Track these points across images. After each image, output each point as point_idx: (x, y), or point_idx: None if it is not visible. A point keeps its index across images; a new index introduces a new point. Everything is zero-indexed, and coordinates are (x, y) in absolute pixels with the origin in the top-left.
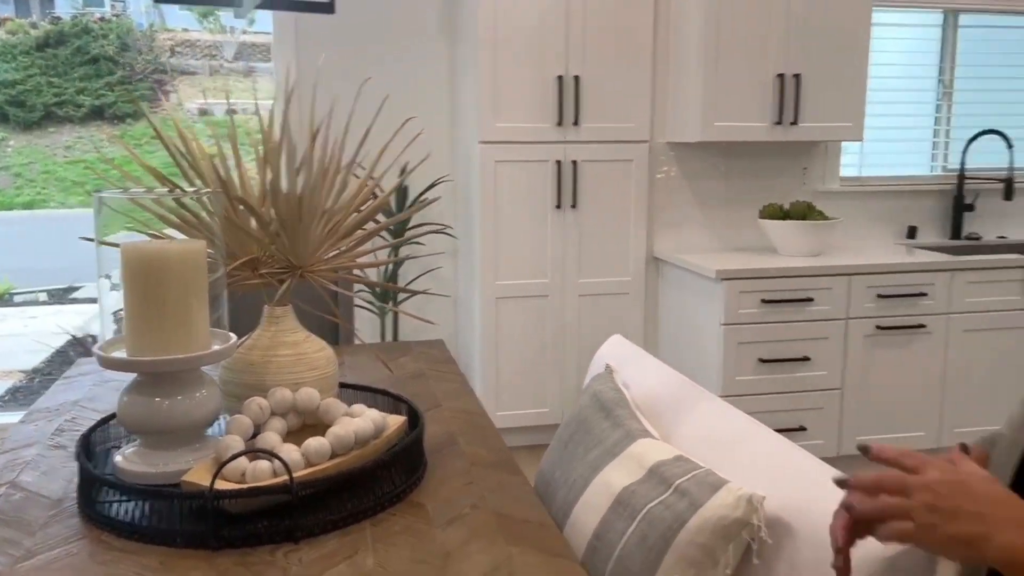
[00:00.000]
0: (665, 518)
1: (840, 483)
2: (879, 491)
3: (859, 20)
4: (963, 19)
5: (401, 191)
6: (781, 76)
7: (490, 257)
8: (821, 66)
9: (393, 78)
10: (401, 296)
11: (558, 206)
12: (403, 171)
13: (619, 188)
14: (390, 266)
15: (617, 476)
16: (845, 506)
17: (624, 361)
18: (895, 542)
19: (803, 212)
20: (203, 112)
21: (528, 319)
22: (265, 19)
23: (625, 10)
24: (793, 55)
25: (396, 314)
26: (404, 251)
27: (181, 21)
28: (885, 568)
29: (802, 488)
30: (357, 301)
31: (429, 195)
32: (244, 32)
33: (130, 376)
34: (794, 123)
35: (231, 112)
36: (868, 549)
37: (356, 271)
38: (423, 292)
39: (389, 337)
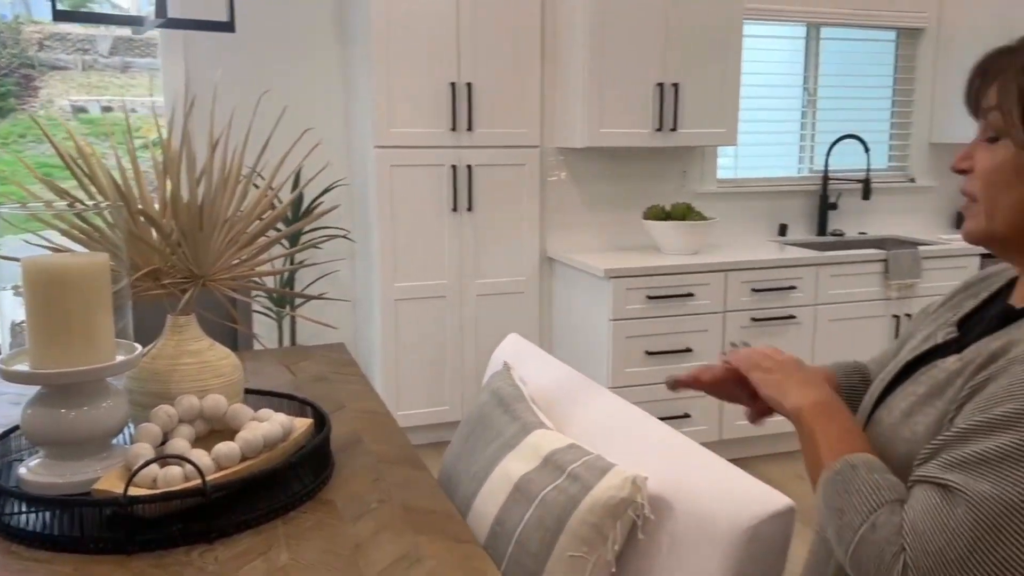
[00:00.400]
0: (560, 501)
1: (671, 384)
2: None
3: (731, 32)
4: (824, 32)
5: (298, 198)
6: (661, 85)
7: (388, 260)
8: (697, 76)
9: (287, 82)
10: (299, 301)
11: (454, 209)
12: (297, 179)
13: (513, 191)
14: (286, 272)
15: (515, 466)
16: (724, 360)
17: (521, 358)
18: (756, 382)
19: (683, 213)
20: (79, 110)
21: (427, 320)
22: None
23: (514, 20)
24: (671, 66)
25: (293, 319)
26: (302, 257)
27: (49, 13)
28: (749, 537)
29: (680, 469)
30: (255, 307)
31: (327, 201)
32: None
33: (32, 388)
34: (674, 129)
35: (126, 112)
36: (733, 519)
37: (257, 279)
38: (321, 297)
39: (287, 342)
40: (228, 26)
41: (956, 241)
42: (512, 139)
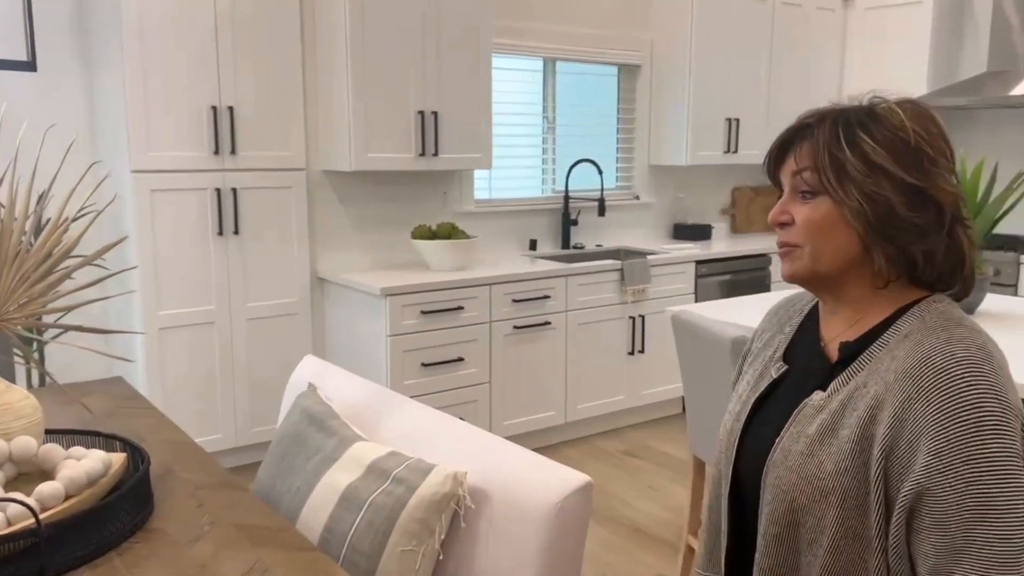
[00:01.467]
0: (388, 503)
1: None
2: None
3: (481, 65)
4: (559, 66)
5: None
6: (422, 113)
7: (151, 288)
8: (454, 105)
9: (76, 114)
10: (53, 333)
11: (220, 233)
12: (41, 200)
13: (280, 214)
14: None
15: (340, 477)
16: None
17: (322, 378)
18: None
19: (448, 232)
20: None
21: (195, 347)
22: None
23: (275, 44)
24: (430, 95)
25: (42, 353)
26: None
27: None
28: (557, 512)
29: (492, 461)
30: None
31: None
32: None
33: None
34: (435, 154)
35: None
36: (542, 499)
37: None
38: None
39: (36, 378)
40: (30, 65)
41: (676, 250)
42: (277, 162)
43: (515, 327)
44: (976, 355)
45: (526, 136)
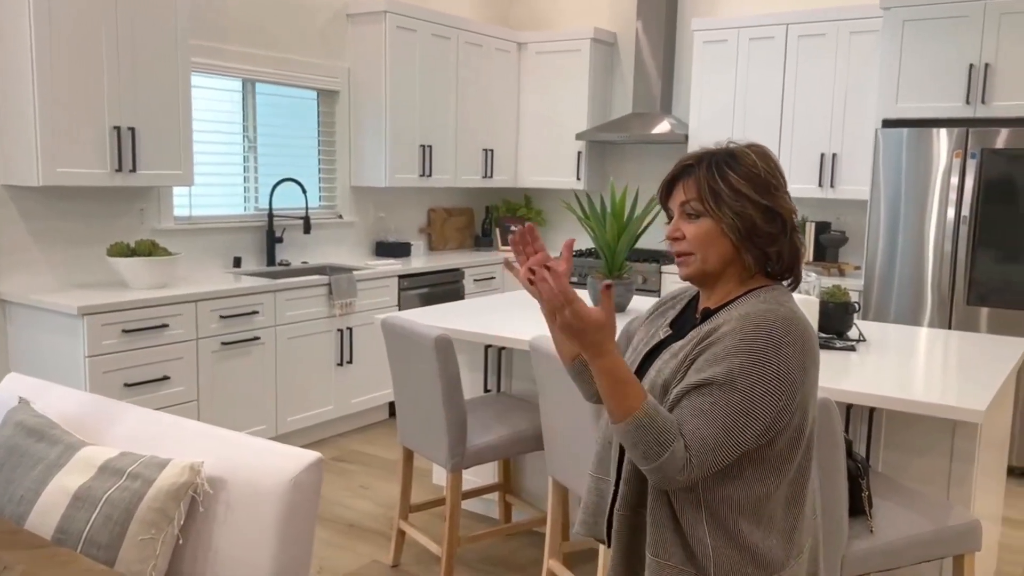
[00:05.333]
0: (124, 498)
1: (507, 264)
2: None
3: (180, 82)
4: (259, 87)
5: None
6: (118, 128)
7: None
8: (153, 121)
9: None
10: None
11: None
12: None
13: None
14: None
15: (69, 480)
16: (552, 272)
17: (33, 393)
18: (563, 329)
19: (148, 249)
20: None
21: None
22: None
23: None
24: (127, 111)
25: None
26: None
27: None
28: (292, 487)
29: (225, 451)
30: None
31: None
32: None
33: None
34: (133, 170)
35: None
36: (277, 477)
37: None
38: None
39: None
40: None
41: (379, 266)
42: None
43: (223, 343)
44: (778, 322)
45: (227, 155)
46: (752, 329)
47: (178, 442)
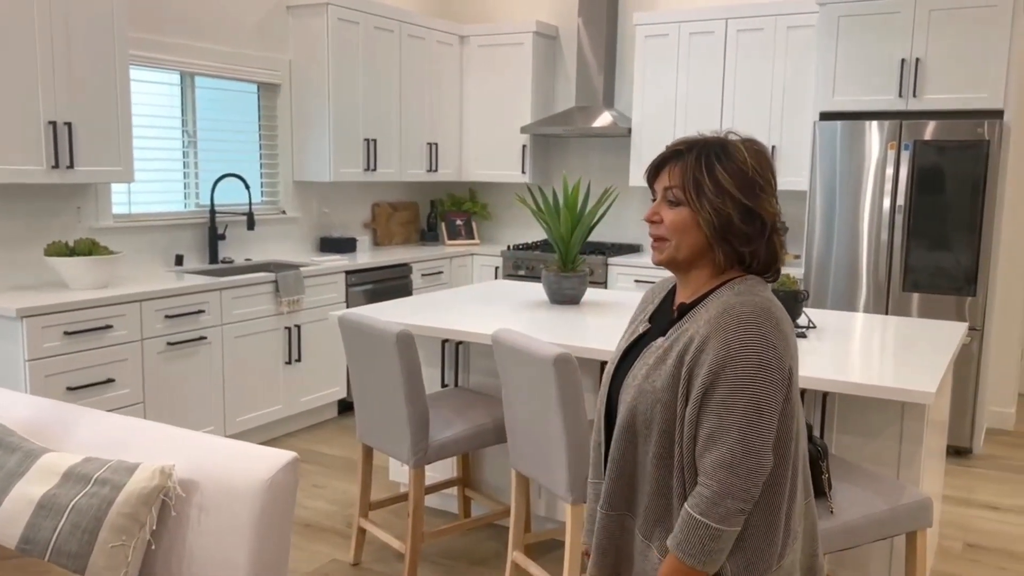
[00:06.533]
0: (93, 504)
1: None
2: None
3: (118, 76)
4: (199, 81)
5: None
6: (54, 123)
7: None
8: (90, 115)
9: None
10: None
11: None
12: None
13: None
14: None
15: (32, 488)
16: None
17: None
18: None
19: (88, 248)
20: None
21: None
22: None
23: None
24: (62, 105)
25: None
26: None
27: None
28: (268, 487)
29: (196, 453)
30: None
31: None
32: None
33: None
34: (70, 167)
35: None
36: (252, 478)
37: None
38: None
39: None
40: None
41: (325, 262)
42: None
43: (168, 343)
44: (757, 312)
45: (167, 150)
46: (734, 326)
47: (143, 446)
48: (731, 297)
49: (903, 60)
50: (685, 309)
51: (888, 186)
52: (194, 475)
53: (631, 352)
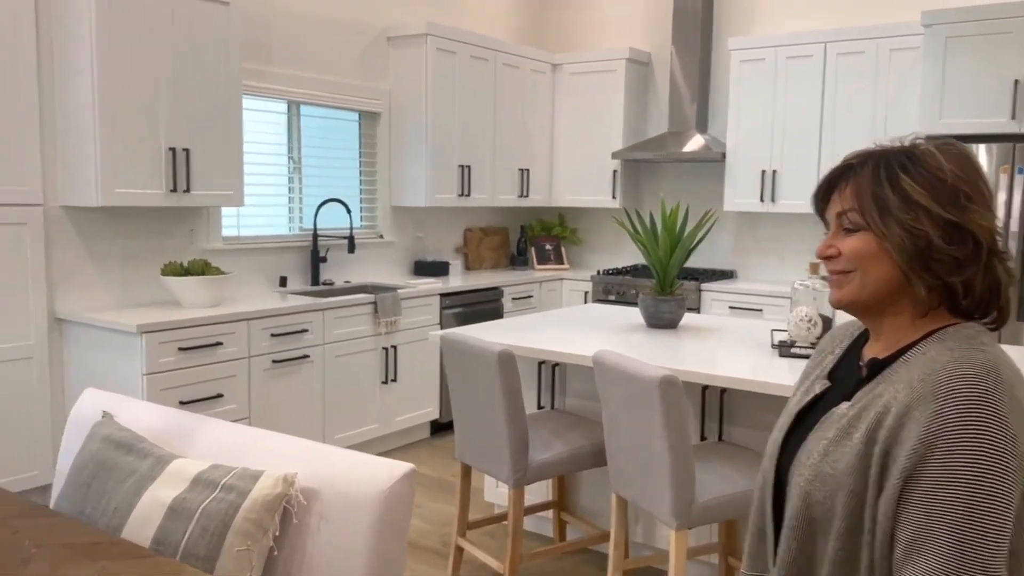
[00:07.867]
0: (220, 509)
1: None
2: None
3: (232, 105)
4: (304, 109)
5: None
6: (173, 150)
7: None
8: (206, 142)
9: None
10: None
11: None
12: None
13: (12, 252)
14: None
15: (163, 492)
16: None
17: (114, 407)
18: None
19: (201, 268)
20: None
21: None
22: None
23: (5, 77)
24: (181, 132)
25: None
26: None
27: None
28: (385, 498)
29: (316, 462)
30: None
31: None
32: None
33: None
34: (187, 191)
35: None
36: (370, 488)
37: None
38: None
39: None
40: None
41: (420, 285)
42: (7, 197)
43: (274, 361)
44: (982, 374)
45: (273, 176)
46: (946, 393)
47: (266, 454)
48: (942, 352)
49: (1016, 81)
50: (878, 366)
51: (1000, 212)
52: (314, 484)
53: (805, 418)
